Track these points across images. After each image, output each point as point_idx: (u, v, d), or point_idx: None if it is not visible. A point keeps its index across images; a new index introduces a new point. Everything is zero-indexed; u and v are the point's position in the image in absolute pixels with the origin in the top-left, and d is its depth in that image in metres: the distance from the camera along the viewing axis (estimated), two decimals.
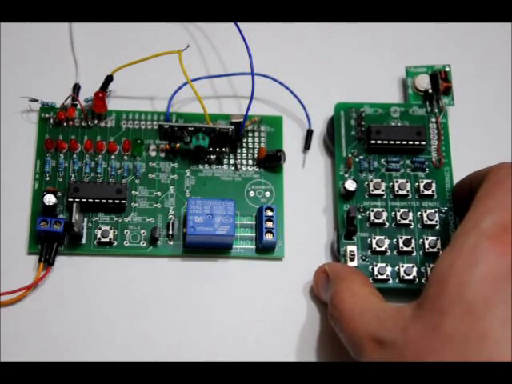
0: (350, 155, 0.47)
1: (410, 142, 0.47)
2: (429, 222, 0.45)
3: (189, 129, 0.47)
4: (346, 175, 0.47)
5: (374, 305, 0.39)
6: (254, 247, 0.46)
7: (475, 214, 0.37)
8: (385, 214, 0.46)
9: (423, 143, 0.47)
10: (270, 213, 0.45)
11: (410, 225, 0.45)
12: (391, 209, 0.46)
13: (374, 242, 0.45)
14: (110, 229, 0.45)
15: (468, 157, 0.48)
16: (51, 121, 0.48)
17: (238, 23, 0.47)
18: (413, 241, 0.45)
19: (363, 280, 0.41)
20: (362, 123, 0.48)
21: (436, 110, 0.49)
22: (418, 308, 0.36)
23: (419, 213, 0.46)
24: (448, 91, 0.49)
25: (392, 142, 0.47)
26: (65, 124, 0.48)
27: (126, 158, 0.47)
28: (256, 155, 0.48)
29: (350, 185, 0.46)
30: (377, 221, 0.45)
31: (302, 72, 0.51)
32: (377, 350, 0.36)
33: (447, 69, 0.49)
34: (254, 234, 0.46)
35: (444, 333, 0.34)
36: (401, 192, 0.46)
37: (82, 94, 0.48)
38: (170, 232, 0.45)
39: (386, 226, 0.46)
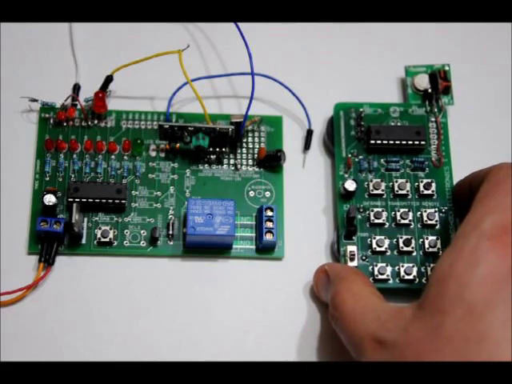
0: (349, 155, 0.47)
1: (410, 142, 0.47)
2: (429, 222, 0.45)
3: (189, 129, 0.47)
4: (346, 175, 0.47)
5: (375, 305, 0.39)
6: (253, 247, 0.46)
7: (476, 215, 0.37)
8: (385, 214, 0.46)
9: (423, 143, 0.47)
10: (270, 213, 0.45)
11: (410, 224, 0.45)
12: (391, 209, 0.46)
13: (374, 241, 0.45)
14: (110, 229, 0.45)
15: (468, 156, 0.48)
16: (51, 121, 0.48)
17: (238, 23, 0.47)
18: (413, 240, 0.45)
19: (364, 280, 0.41)
20: (361, 123, 0.48)
21: (435, 110, 0.49)
22: (418, 308, 0.36)
23: (419, 212, 0.46)
24: (447, 90, 0.49)
25: (392, 142, 0.47)
26: (65, 124, 0.48)
27: (125, 157, 0.47)
28: (256, 155, 0.48)
29: (350, 185, 0.46)
30: (377, 221, 0.45)
31: (302, 72, 0.51)
32: (377, 350, 0.36)
33: (446, 68, 0.49)
34: (254, 234, 0.46)
35: (444, 333, 0.34)
36: (401, 192, 0.46)
37: (82, 94, 0.48)
38: (170, 232, 0.45)
39: (386, 226, 0.46)
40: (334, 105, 0.48)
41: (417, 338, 0.35)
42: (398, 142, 0.47)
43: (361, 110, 0.48)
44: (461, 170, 0.46)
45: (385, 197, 0.46)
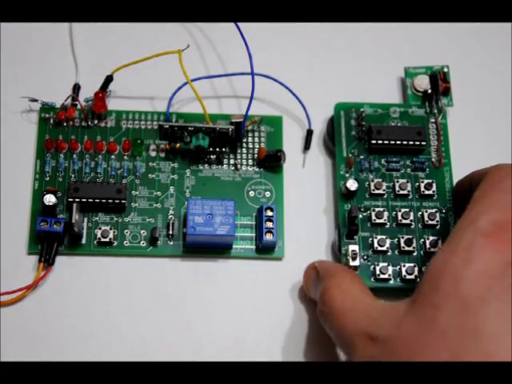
0: (350, 155, 0.47)
1: (411, 142, 0.47)
2: (430, 222, 0.45)
3: (189, 129, 0.47)
4: (347, 175, 0.47)
5: (365, 303, 0.39)
6: (253, 247, 0.46)
7: (472, 213, 0.37)
8: (386, 214, 0.46)
9: (423, 143, 0.47)
10: (270, 213, 0.45)
11: (411, 224, 0.45)
12: (392, 209, 0.46)
13: (375, 241, 0.45)
14: (110, 229, 0.45)
15: (468, 157, 0.48)
16: (51, 121, 0.48)
17: (238, 23, 0.47)
18: (414, 240, 0.45)
19: (353, 278, 0.41)
20: (362, 123, 0.48)
21: (435, 111, 0.49)
22: (411, 304, 0.36)
23: (420, 213, 0.46)
24: (447, 92, 0.49)
25: (392, 142, 0.47)
26: (65, 124, 0.48)
27: (125, 157, 0.47)
28: (256, 155, 0.48)
29: (352, 184, 0.46)
30: (378, 220, 0.45)
31: (302, 72, 0.51)
32: (369, 346, 0.36)
33: (445, 69, 0.49)
34: (254, 234, 0.46)
35: (438, 327, 0.34)
36: (401, 192, 0.46)
37: (82, 94, 0.48)
38: (170, 232, 0.45)
39: (387, 226, 0.46)
40: (335, 105, 0.48)
41: (409, 333, 0.35)
42: (398, 143, 0.47)
43: (361, 110, 0.48)
44: (461, 170, 0.46)
45: (385, 197, 0.46)
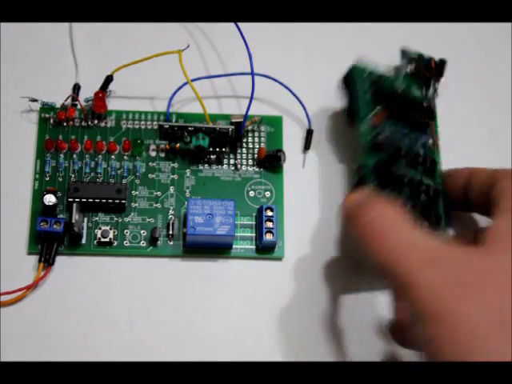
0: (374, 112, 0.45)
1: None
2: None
3: (189, 129, 0.47)
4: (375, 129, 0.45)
5: (422, 231, 0.38)
6: (253, 247, 0.46)
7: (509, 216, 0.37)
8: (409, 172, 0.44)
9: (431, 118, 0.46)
10: (270, 213, 0.45)
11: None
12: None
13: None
14: (110, 229, 0.45)
15: (460, 147, 0.48)
16: (51, 121, 0.48)
17: (238, 23, 0.47)
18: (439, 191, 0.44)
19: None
20: (382, 84, 0.46)
21: (430, 92, 0.48)
22: (479, 246, 0.36)
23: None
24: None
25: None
26: (65, 124, 0.48)
27: (126, 157, 0.47)
28: (256, 155, 0.48)
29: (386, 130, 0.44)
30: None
31: (302, 72, 0.51)
32: (429, 268, 0.35)
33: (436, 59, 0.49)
34: (254, 234, 0.46)
35: None
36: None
37: (82, 94, 0.48)
38: (170, 232, 0.45)
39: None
40: (352, 65, 0.46)
41: (480, 264, 0.35)
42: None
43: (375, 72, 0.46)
44: (456, 160, 0.46)
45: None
